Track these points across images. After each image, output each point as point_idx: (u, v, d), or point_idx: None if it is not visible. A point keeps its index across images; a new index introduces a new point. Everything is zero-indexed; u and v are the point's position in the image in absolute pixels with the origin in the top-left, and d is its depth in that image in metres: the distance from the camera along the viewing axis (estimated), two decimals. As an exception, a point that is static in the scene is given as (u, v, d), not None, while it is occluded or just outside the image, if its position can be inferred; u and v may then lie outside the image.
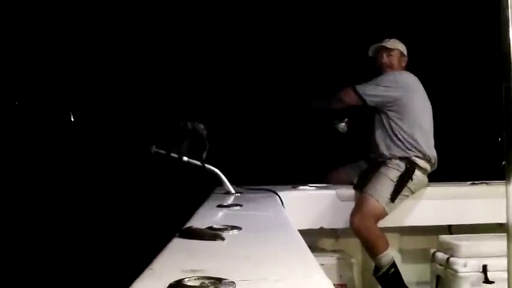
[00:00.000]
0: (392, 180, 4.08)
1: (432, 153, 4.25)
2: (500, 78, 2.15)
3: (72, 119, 3.70)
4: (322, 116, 4.71)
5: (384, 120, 4.28)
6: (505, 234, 2.17)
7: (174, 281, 1.17)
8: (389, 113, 4.25)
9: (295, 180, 4.46)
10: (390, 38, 4.47)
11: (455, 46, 5.37)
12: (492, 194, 3.92)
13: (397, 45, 4.41)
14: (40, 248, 4.77)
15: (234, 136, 5.09)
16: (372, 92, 4.25)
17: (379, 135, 4.31)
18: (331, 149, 5.17)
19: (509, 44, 2.14)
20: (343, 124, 4.53)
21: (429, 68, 4.49)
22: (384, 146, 4.26)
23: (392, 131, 4.23)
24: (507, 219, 2.16)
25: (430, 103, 4.35)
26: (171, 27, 5.33)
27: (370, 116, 4.42)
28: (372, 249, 3.98)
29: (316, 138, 5.32)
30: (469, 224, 4.21)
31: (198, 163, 3.37)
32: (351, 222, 4.01)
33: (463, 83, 5.29)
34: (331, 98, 4.42)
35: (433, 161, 4.25)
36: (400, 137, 4.20)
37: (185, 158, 3.38)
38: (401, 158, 4.16)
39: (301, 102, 4.58)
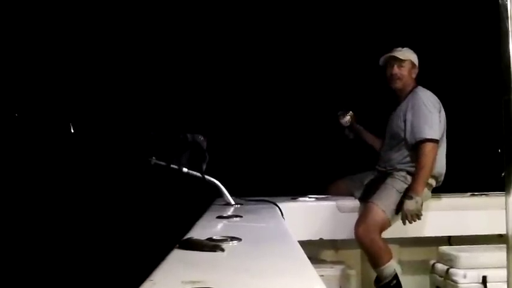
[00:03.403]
0: (399, 192, 4.05)
1: (441, 171, 4.20)
2: (500, 90, 2.16)
3: (72, 131, 3.70)
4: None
5: (405, 135, 4.18)
6: (505, 245, 2.17)
7: (174, 292, 1.17)
8: None
9: (294, 191, 4.46)
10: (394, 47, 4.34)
11: (455, 56, 5.37)
12: (492, 205, 3.93)
13: (409, 56, 4.27)
14: (39, 259, 4.76)
15: (234, 148, 5.10)
16: (432, 128, 4.08)
17: (393, 148, 4.27)
18: (331, 160, 5.18)
19: (509, 56, 2.14)
20: (347, 117, 4.48)
21: (429, 79, 4.47)
22: (395, 159, 4.23)
23: (408, 147, 4.17)
24: (507, 231, 2.17)
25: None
26: (171, 39, 5.34)
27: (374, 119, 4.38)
28: (374, 260, 3.95)
29: (316, 149, 5.33)
30: (468, 235, 4.20)
31: (198, 174, 3.37)
32: (355, 231, 3.96)
33: (463, 95, 5.29)
34: (421, 167, 4.04)
35: (440, 178, 4.22)
36: (413, 153, 4.13)
37: (185, 170, 3.38)
38: (408, 172, 4.13)
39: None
